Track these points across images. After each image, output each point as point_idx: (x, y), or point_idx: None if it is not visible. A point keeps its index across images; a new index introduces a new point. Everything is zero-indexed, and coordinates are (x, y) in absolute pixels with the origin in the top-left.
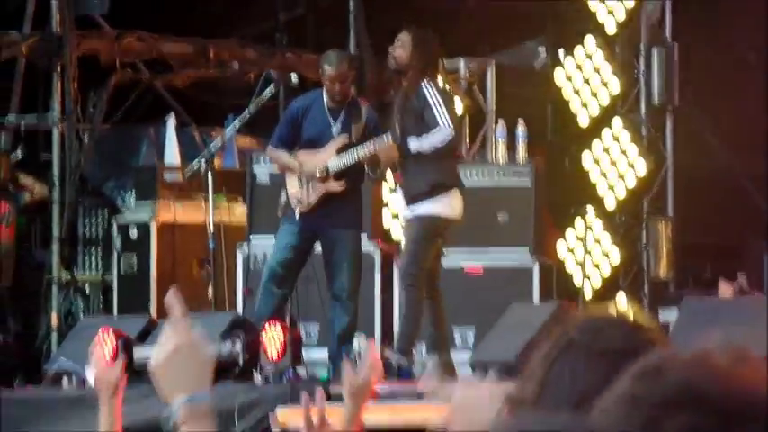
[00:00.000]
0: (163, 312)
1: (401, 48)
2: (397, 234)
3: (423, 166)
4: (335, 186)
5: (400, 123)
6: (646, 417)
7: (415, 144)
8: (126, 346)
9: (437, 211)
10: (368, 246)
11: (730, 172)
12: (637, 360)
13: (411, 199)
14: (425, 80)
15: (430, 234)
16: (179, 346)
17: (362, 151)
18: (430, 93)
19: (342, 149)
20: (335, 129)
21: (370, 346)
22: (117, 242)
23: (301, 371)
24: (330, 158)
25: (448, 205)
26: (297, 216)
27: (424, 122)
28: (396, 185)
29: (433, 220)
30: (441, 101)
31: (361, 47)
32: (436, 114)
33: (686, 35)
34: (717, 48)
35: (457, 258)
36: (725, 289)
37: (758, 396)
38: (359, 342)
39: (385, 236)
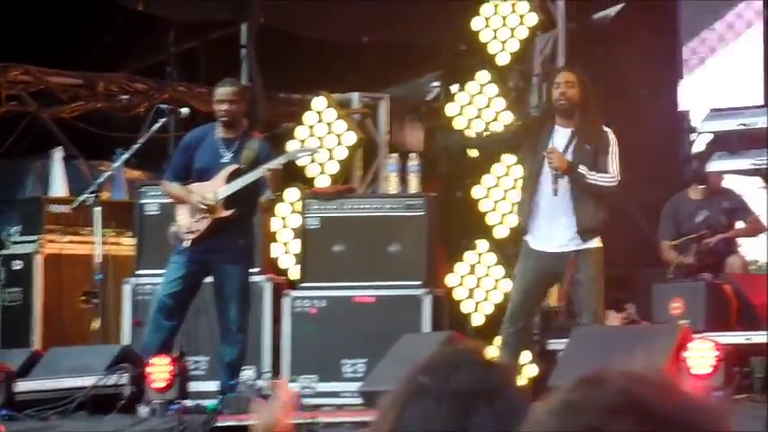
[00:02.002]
0: (47, 345)
1: (572, 88)
2: (286, 263)
3: (593, 202)
4: (225, 214)
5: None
6: (585, 424)
7: (588, 174)
8: (8, 379)
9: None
10: (258, 278)
11: (620, 202)
12: (490, 402)
13: (584, 231)
14: (607, 127)
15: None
16: None
17: (253, 176)
18: (612, 140)
19: (232, 178)
20: (226, 159)
21: (283, 384)
22: (1, 275)
23: (188, 403)
24: (220, 187)
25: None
26: (187, 247)
27: (595, 165)
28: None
29: (601, 255)
30: (617, 152)
31: (254, 80)
32: (611, 162)
33: (578, 68)
34: (607, 80)
35: (348, 290)
36: (614, 318)
37: (693, 406)
38: (248, 374)
39: (275, 268)
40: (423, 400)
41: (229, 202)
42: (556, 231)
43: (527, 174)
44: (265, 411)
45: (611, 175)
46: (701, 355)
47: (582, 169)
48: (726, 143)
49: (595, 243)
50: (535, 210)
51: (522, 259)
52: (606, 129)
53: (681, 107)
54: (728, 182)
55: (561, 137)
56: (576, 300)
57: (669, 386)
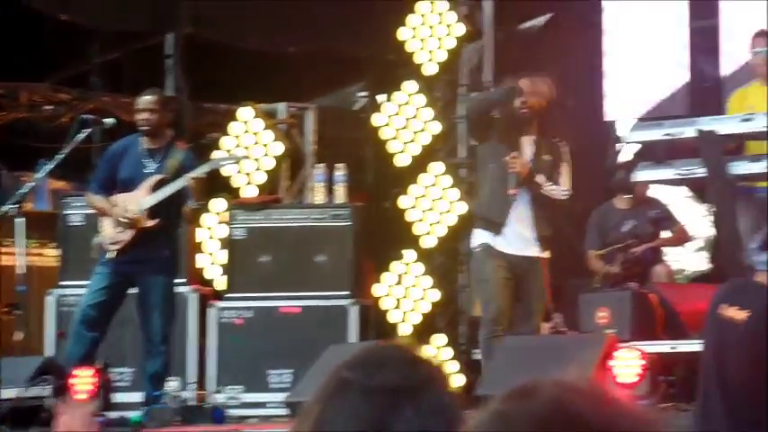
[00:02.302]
0: None
1: (536, 96)
2: (212, 274)
3: (549, 211)
4: (148, 224)
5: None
6: None
7: (544, 185)
8: None
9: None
10: (183, 289)
11: None
12: (415, 399)
13: (541, 239)
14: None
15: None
16: None
17: (176, 186)
18: (567, 153)
19: (156, 188)
20: (150, 169)
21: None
22: None
23: (112, 415)
24: (143, 197)
25: None
26: (111, 258)
27: (551, 177)
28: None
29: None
30: (570, 165)
31: (179, 91)
32: (565, 174)
33: (505, 78)
34: None
35: (275, 300)
36: (541, 328)
37: (624, 414)
38: (173, 386)
39: (200, 278)
40: (346, 396)
41: (153, 212)
42: (518, 235)
43: (494, 174)
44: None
45: (564, 188)
46: (627, 364)
47: (539, 179)
48: (652, 153)
49: (547, 253)
50: (505, 210)
51: (484, 262)
52: (562, 141)
53: (607, 117)
54: (654, 191)
55: (525, 145)
56: (524, 306)
57: (600, 395)
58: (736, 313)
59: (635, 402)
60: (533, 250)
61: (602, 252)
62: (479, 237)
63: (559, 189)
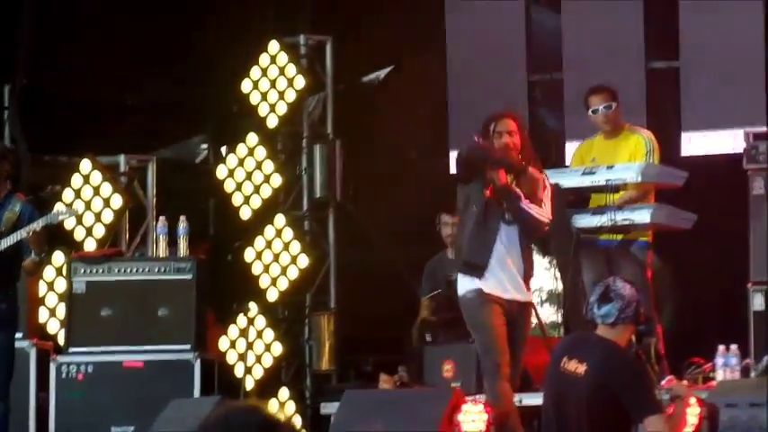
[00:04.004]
0: None
1: (515, 135)
2: (53, 328)
3: (531, 251)
4: None
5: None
6: None
7: (523, 200)
8: None
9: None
10: (23, 343)
11: (391, 264)
12: None
13: (527, 280)
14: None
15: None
16: None
17: (13, 238)
18: (548, 184)
19: None
20: None
21: None
22: None
23: None
24: None
25: None
26: None
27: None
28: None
29: None
30: (550, 197)
31: (17, 142)
32: (545, 202)
33: (347, 130)
34: (377, 141)
35: (117, 354)
36: (385, 381)
37: None
38: None
39: (41, 332)
40: None
41: None
42: (507, 277)
43: (477, 218)
44: None
45: (545, 211)
46: (473, 418)
47: (519, 192)
48: None
49: (532, 296)
50: (486, 253)
51: (480, 307)
52: (543, 173)
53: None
54: None
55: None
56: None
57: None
58: (576, 366)
59: None
60: (523, 294)
61: (427, 299)
62: (465, 283)
63: (540, 210)
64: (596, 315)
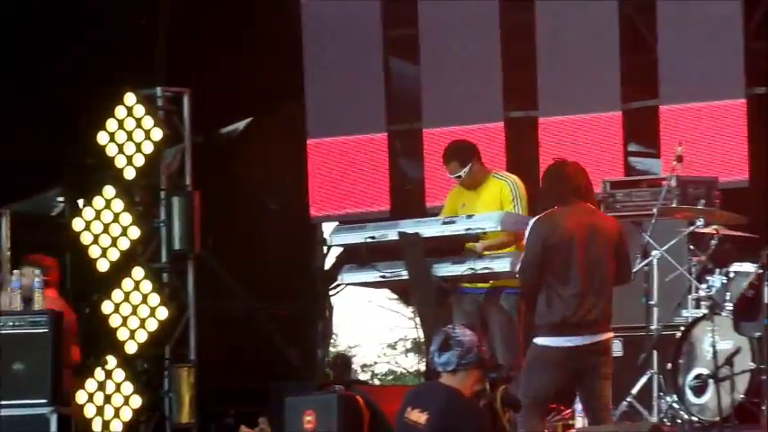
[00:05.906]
0: None
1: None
2: None
3: None
4: None
5: None
6: None
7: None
8: None
9: None
10: None
11: (252, 314)
12: None
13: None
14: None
15: None
16: None
17: None
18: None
19: None
20: None
21: None
22: None
23: None
24: None
25: None
26: None
27: None
28: None
29: None
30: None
31: None
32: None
33: (207, 181)
34: (237, 193)
35: None
36: None
37: None
38: None
39: None
40: None
41: None
42: None
43: None
44: None
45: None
46: None
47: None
48: (356, 255)
49: None
50: None
51: None
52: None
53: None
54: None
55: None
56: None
57: None
58: (418, 416)
59: None
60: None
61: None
62: None
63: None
64: (437, 364)
